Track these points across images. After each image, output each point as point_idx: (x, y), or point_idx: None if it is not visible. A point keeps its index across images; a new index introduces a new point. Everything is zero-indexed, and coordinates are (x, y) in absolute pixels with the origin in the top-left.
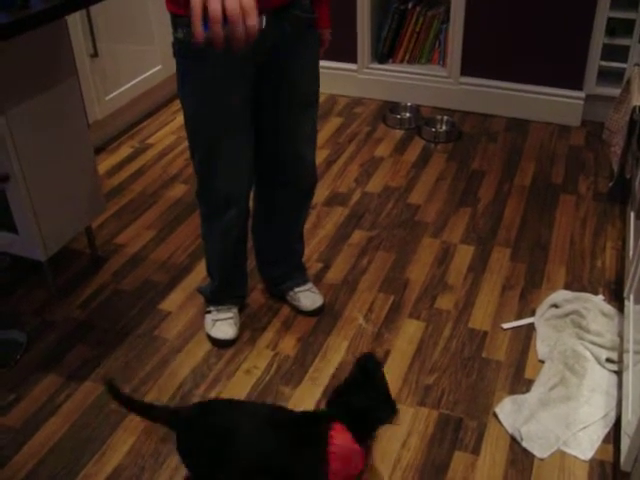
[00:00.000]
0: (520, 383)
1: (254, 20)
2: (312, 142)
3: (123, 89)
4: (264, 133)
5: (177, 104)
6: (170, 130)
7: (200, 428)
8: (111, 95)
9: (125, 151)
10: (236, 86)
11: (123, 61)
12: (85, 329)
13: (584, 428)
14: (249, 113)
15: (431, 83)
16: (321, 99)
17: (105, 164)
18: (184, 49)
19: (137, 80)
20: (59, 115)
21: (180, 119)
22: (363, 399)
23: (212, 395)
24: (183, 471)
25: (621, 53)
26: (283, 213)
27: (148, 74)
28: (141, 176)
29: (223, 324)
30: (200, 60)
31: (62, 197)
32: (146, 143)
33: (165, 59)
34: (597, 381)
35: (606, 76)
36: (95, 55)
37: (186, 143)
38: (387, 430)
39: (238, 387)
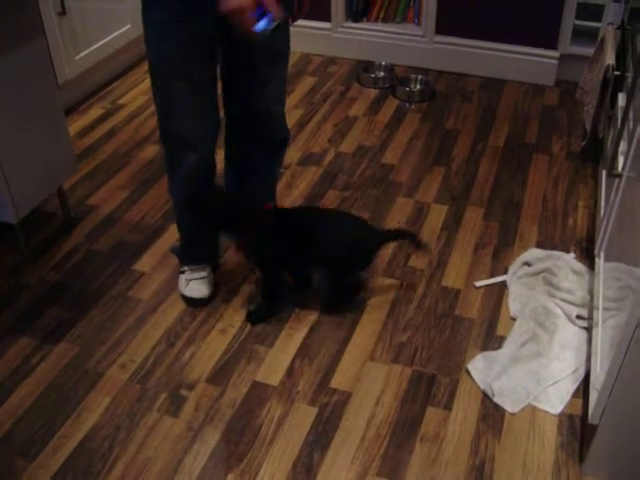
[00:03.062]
0: (492, 340)
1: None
2: (282, 97)
3: (93, 48)
4: (234, 87)
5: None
6: (141, 90)
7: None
8: (81, 54)
9: (96, 112)
10: (194, 31)
11: (92, 19)
12: (58, 291)
13: (554, 383)
14: (207, 54)
15: (405, 42)
16: (295, 58)
17: (76, 125)
18: None
19: (107, 39)
20: (27, 75)
21: None
22: None
23: (187, 355)
24: (160, 430)
25: (595, 12)
26: (254, 169)
27: (118, 33)
28: (113, 137)
29: (197, 283)
30: (158, 3)
31: (32, 159)
32: (117, 104)
33: (135, 18)
34: (567, 337)
35: (580, 35)
36: (63, 13)
37: None
38: (361, 388)
39: (213, 346)
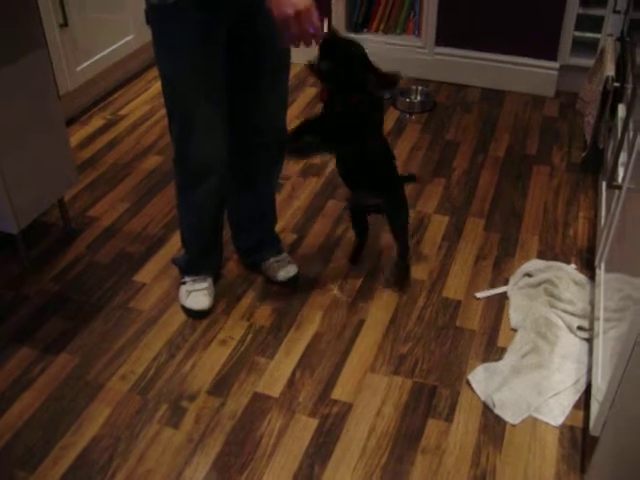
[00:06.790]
0: (493, 351)
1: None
2: (284, 106)
3: (94, 59)
4: (236, 98)
5: (150, 74)
6: (143, 101)
7: None
8: (82, 66)
9: (97, 122)
10: (208, 49)
11: (94, 31)
12: (59, 302)
13: (555, 395)
14: (222, 76)
15: (406, 53)
16: (295, 69)
17: (77, 136)
18: (157, 14)
19: (109, 50)
20: (28, 87)
21: (153, 90)
22: None
23: (188, 366)
24: (160, 441)
25: (595, 23)
26: (255, 178)
27: (120, 44)
28: (114, 147)
29: (198, 295)
30: (173, 24)
31: (33, 169)
32: (119, 114)
33: (137, 28)
34: (568, 349)
35: (580, 47)
36: (65, 25)
37: (160, 113)
38: (361, 399)
39: (213, 358)
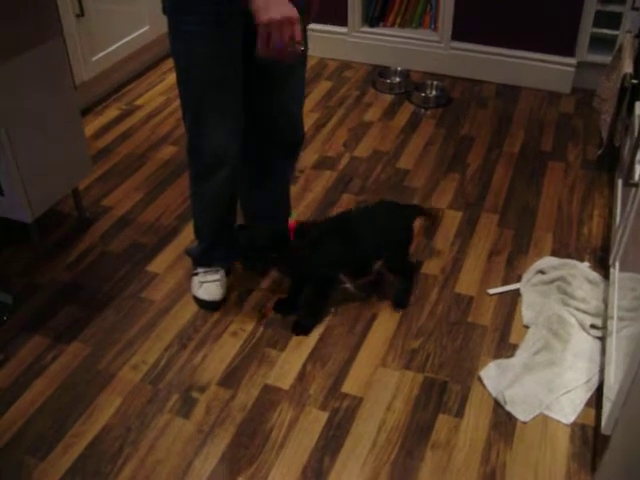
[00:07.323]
0: (505, 348)
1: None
2: (300, 99)
3: (110, 50)
4: (253, 91)
5: (165, 65)
6: (158, 91)
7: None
8: (98, 56)
9: (112, 113)
10: (224, 39)
11: (110, 21)
12: (72, 291)
13: (567, 392)
14: (238, 66)
15: (422, 48)
16: (311, 62)
17: (92, 126)
18: (174, 3)
19: (124, 41)
20: (44, 76)
21: (168, 81)
22: None
23: (199, 357)
24: (170, 432)
25: (613, 20)
26: (270, 169)
27: (136, 34)
28: (129, 138)
29: (210, 286)
30: (189, 13)
31: (48, 159)
32: (134, 105)
33: (153, 20)
34: (581, 347)
35: (598, 43)
36: (81, 15)
37: (174, 104)
38: (372, 393)
39: (225, 349)
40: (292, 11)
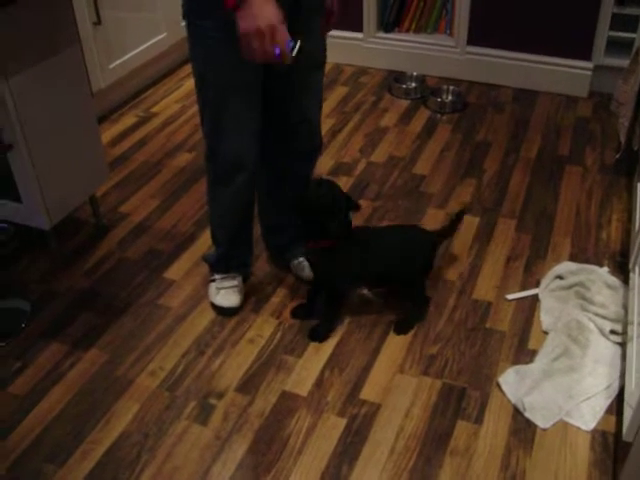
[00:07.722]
0: (523, 354)
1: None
2: (319, 105)
3: (127, 57)
4: (272, 97)
5: (182, 72)
6: (175, 99)
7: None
8: (114, 63)
9: (129, 120)
10: None
11: (127, 29)
12: (90, 298)
13: (587, 399)
14: (258, 71)
15: (437, 53)
16: (327, 68)
17: (109, 133)
18: (193, 8)
19: (141, 48)
20: (62, 83)
21: (185, 88)
22: None
23: (216, 364)
24: (188, 438)
25: (630, 23)
26: (287, 174)
27: (152, 42)
28: (145, 145)
29: (227, 292)
30: (208, 19)
31: (66, 166)
32: (150, 112)
33: (169, 27)
34: (601, 352)
35: (615, 46)
36: (98, 23)
37: (191, 111)
38: (390, 400)
39: (242, 356)
40: (272, 17)
